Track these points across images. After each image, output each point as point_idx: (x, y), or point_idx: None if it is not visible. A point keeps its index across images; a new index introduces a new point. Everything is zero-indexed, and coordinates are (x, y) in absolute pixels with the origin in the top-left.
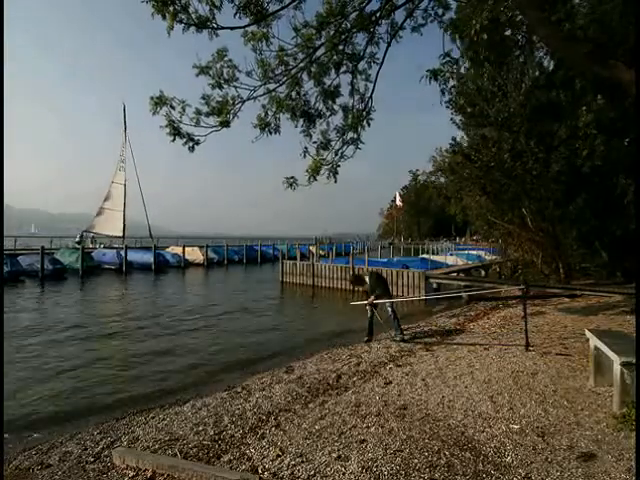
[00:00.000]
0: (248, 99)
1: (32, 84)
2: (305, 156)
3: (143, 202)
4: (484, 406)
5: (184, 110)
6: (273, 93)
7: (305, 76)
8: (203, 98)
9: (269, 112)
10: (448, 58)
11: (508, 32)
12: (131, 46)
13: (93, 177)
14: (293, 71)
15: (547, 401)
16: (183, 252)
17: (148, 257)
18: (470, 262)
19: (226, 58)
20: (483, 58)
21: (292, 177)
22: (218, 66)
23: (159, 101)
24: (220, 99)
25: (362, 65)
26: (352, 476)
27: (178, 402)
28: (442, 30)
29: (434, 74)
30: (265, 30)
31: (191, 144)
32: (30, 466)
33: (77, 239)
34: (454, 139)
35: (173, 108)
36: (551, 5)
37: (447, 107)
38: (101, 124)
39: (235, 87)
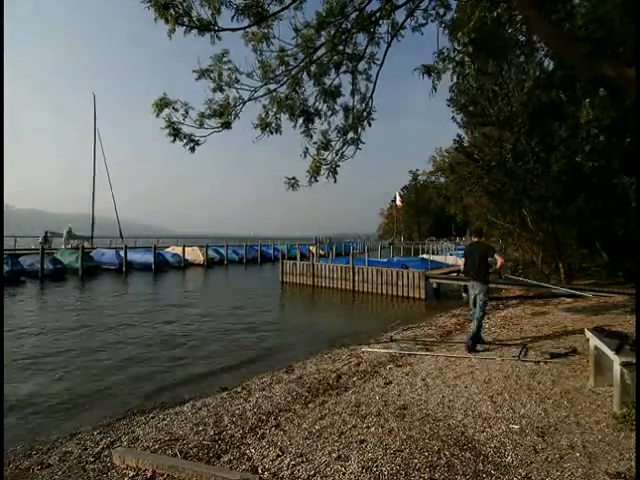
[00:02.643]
0: (249, 100)
1: (32, 81)
2: (305, 156)
3: (113, 197)
4: (484, 406)
5: (187, 112)
6: (274, 93)
7: (305, 76)
8: (206, 103)
9: (270, 112)
10: (442, 55)
11: (509, 31)
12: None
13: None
14: (293, 71)
15: (547, 401)
16: (183, 252)
17: (148, 257)
18: None
19: (225, 59)
20: (485, 55)
21: (293, 178)
22: (219, 69)
23: (162, 103)
24: (222, 102)
25: (362, 65)
26: (352, 476)
27: (178, 402)
28: (438, 28)
29: (428, 70)
30: (266, 31)
31: (191, 145)
32: (30, 466)
33: (40, 240)
34: (459, 136)
35: (176, 110)
36: (551, 5)
37: (448, 105)
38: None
39: (236, 89)
